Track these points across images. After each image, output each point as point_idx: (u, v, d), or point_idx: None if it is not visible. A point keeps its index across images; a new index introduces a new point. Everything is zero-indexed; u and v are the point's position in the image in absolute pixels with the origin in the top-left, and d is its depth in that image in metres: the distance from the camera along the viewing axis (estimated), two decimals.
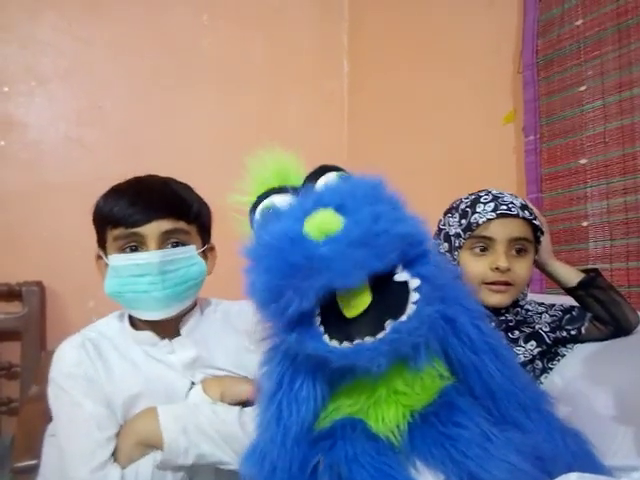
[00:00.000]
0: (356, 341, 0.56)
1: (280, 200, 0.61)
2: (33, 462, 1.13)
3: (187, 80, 2.14)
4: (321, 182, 0.63)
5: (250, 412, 0.88)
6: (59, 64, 1.97)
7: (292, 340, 0.59)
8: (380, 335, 0.56)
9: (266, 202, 0.62)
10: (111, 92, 2.04)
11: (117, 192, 0.91)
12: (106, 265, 0.90)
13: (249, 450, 0.68)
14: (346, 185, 0.59)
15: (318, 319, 0.58)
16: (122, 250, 0.88)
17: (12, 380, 1.81)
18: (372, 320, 0.57)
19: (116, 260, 0.88)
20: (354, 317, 0.57)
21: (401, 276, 0.58)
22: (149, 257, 0.86)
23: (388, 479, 0.64)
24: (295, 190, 0.62)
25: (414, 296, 0.57)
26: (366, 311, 0.57)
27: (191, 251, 0.91)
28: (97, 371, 0.88)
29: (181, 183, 0.97)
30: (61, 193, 1.92)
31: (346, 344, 0.57)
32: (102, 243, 0.92)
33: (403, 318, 0.56)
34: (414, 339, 0.58)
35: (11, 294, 1.81)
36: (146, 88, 2.09)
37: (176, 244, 0.89)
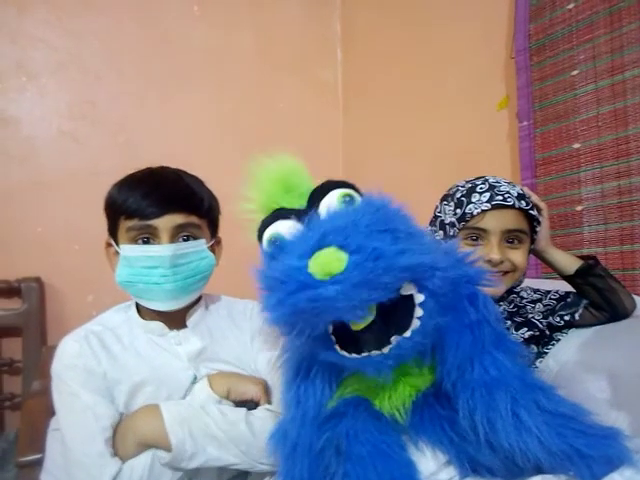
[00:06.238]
0: (364, 353, 0.61)
1: (285, 228, 0.64)
2: (37, 456, 1.15)
3: (179, 71, 2.13)
4: (324, 205, 0.65)
5: (257, 414, 0.88)
6: (50, 58, 1.96)
7: (306, 349, 0.65)
8: (385, 350, 0.60)
9: (272, 231, 0.65)
10: (103, 85, 2.02)
11: (131, 182, 0.91)
12: (116, 253, 0.91)
13: (275, 428, 0.74)
14: (348, 216, 0.61)
15: (330, 328, 0.62)
16: (134, 241, 0.89)
17: (14, 376, 1.82)
18: (378, 334, 0.60)
19: (129, 251, 0.88)
20: (362, 330, 0.60)
21: (407, 289, 0.60)
22: (162, 250, 0.87)
23: (384, 457, 0.66)
24: (299, 214, 0.65)
25: (418, 311, 0.60)
26: (373, 325, 0.60)
27: (202, 245, 0.93)
28: (99, 362, 0.89)
29: (192, 176, 0.97)
30: (56, 188, 1.91)
31: (355, 355, 0.61)
32: (113, 231, 0.92)
33: (407, 334, 0.60)
34: (417, 350, 0.63)
35: (10, 291, 1.82)
36: (138, 80, 2.07)
37: (187, 238, 0.91)
